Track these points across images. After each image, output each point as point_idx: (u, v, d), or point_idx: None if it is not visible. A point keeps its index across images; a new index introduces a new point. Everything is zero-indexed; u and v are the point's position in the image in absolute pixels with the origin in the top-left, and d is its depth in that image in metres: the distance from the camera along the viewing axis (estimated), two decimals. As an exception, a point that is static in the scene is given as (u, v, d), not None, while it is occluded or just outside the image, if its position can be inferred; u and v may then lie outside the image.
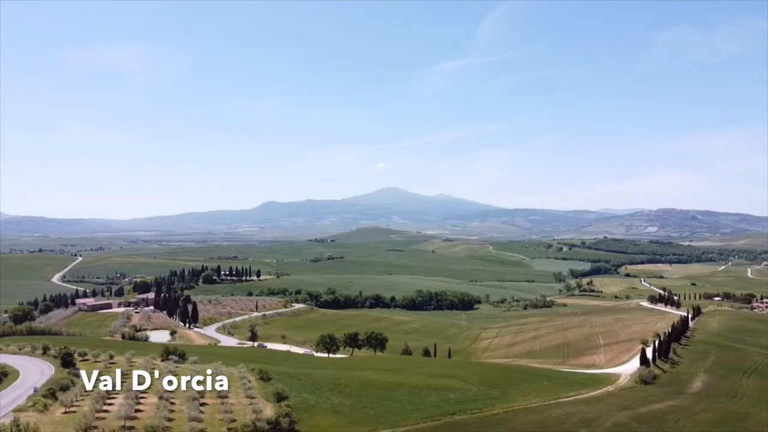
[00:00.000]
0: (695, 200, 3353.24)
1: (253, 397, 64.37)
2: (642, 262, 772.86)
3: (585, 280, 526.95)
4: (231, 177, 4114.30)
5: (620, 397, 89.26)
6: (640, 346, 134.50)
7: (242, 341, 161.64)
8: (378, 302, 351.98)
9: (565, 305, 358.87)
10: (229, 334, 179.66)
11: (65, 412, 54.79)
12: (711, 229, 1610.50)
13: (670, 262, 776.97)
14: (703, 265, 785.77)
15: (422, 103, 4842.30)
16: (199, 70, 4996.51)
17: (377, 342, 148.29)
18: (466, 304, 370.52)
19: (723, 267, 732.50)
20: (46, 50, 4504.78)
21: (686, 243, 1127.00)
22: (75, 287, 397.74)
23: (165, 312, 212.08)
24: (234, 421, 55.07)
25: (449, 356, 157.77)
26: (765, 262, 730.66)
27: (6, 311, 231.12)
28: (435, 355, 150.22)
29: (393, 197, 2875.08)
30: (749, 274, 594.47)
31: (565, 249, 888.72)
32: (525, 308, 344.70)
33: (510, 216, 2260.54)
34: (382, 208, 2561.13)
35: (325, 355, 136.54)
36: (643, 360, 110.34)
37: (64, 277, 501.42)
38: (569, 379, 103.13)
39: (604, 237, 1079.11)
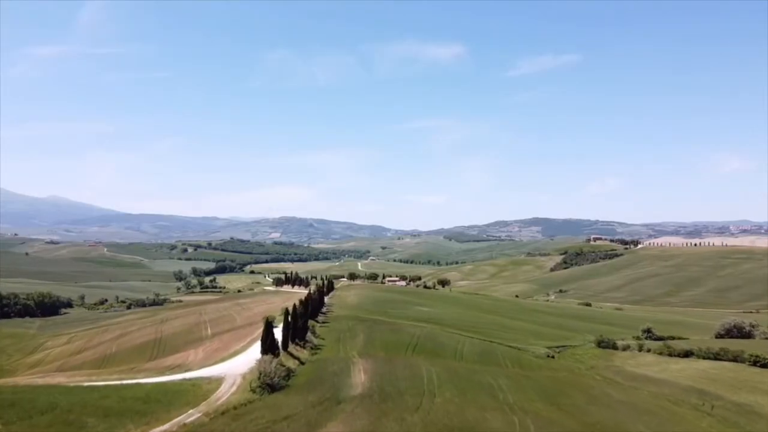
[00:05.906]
0: (312, 209, 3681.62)
1: None
2: (267, 261, 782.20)
3: (208, 278, 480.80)
4: None
5: None
6: (262, 328, 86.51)
7: None
8: None
9: (181, 301, 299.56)
10: None
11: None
12: (325, 235, 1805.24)
13: (293, 261, 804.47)
14: (320, 262, 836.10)
15: (16, 89, 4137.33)
16: None
17: None
18: (49, 308, 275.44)
19: (338, 263, 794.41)
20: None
21: (306, 245, 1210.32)
22: None
23: None
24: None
25: None
26: (371, 257, 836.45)
27: None
28: None
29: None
30: (360, 267, 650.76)
31: (190, 250, 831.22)
32: (129, 307, 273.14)
33: (135, 221, 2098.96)
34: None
35: None
36: (269, 345, 60.91)
37: None
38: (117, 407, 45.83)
39: (231, 239, 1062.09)
